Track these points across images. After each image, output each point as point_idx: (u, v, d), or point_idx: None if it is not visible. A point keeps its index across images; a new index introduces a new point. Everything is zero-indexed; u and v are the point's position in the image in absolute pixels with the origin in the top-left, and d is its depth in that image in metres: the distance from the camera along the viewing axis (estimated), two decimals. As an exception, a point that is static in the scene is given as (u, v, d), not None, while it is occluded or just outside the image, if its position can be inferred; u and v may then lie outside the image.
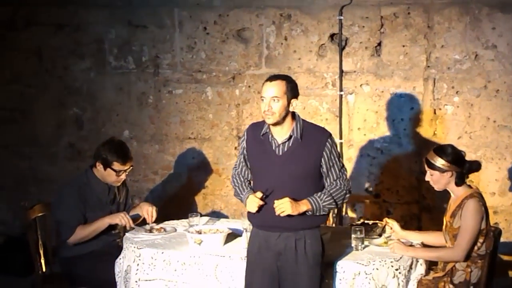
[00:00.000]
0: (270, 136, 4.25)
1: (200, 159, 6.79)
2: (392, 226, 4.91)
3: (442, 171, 4.58)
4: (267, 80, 4.22)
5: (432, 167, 4.61)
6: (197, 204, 6.83)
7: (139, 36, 6.77)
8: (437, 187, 4.68)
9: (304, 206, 4.19)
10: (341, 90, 6.36)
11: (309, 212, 4.21)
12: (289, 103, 4.18)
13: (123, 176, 5.28)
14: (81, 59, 6.94)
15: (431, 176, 4.65)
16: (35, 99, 7.08)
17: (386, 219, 4.98)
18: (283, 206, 4.15)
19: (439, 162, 4.57)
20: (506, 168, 6.14)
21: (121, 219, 5.15)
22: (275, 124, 4.20)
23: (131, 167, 5.30)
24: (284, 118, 4.19)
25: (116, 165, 5.19)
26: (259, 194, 4.22)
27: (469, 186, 4.66)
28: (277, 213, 4.16)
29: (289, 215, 4.16)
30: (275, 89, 4.16)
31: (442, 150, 4.63)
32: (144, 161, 6.89)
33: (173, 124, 6.81)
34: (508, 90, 6.08)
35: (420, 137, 6.27)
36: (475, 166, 4.66)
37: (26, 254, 5.46)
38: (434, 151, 4.63)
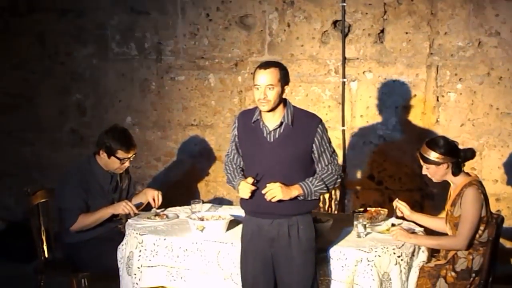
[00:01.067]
0: (261, 123, 4.25)
1: (202, 146, 6.79)
2: (402, 210, 4.89)
3: (437, 164, 4.57)
4: (260, 68, 4.19)
5: (427, 161, 4.60)
6: (200, 190, 6.84)
7: (142, 23, 6.76)
8: (435, 179, 4.67)
9: (295, 191, 4.19)
10: (343, 77, 6.36)
11: (301, 197, 4.21)
12: (283, 90, 4.19)
13: (126, 164, 5.27)
14: (84, 46, 6.94)
15: (427, 170, 4.65)
16: (38, 85, 7.08)
17: (395, 202, 4.94)
18: (274, 192, 4.16)
19: (433, 155, 4.56)
20: (508, 155, 6.13)
21: (123, 208, 5.15)
22: (268, 111, 4.20)
23: (134, 155, 5.30)
24: (277, 105, 4.19)
25: (120, 153, 5.18)
26: (250, 180, 4.22)
27: (468, 174, 4.64)
28: (267, 199, 4.17)
29: (281, 200, 4.17)
30: (270, 76, 4.15)
31: (434, 143, 4.60)
32: (147, 148, 6.89)
33: (175, 111, 6.81)
34: (511, 77, 6.06)
35: (423, 125, 6.26)
36: (470, 154, 4.65)
37: (29, 240, 5.48)
38: (426, 145, 4.61)
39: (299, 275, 4.24)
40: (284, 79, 4.20)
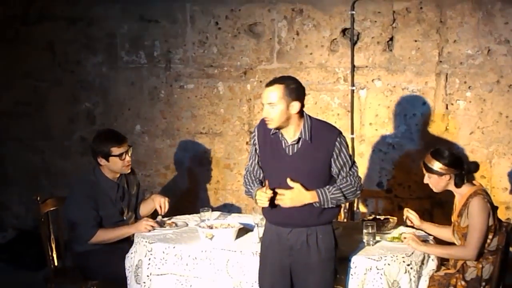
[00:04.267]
0: (280, 135, 4.21)
1: (211, 154, 6.79)
2: (412, 219, 4.88)
3: (440, 174, 4.57)
4: (266, 85, 4.16)
5: (430, 170, 4.59)
6: (209, 198, 6.84)
7: (151, 31, 6.78)
8: (436, 189, 4.67)
9: (309, 197, 4.17)
10: (352, 85, 6.35)
11: (316, 204, 4.19)
12: (288, 106, 4.10)
13: (127, 158, 5.23)
14: (94, 54, 6.97)
15: (429, 179, 4.64)
16: (48, 93, 7.11)
17: (405, 211, 4.94)
18: (283, 200, 4.16)
19: (437, 165, 4.56)
20: (518, 163, 6.13)
21: (146, 227, 5.09)
22: (275, 128, 4.17)
23: (130, 148, 5.27)
24: (287, 121, 4.14)
25: (114, 150, 5.18)
26: (266, 189, 4.19)
27: (473, 184, 4.63)
28: (276, 202, 4.19)
29: (300, 211, 4.17)
30: (271, 95, 4.09)
31: (439, 153, 4.59)
32: (156, 156, 6.90)
33: (184, 119, 6.82)
34: (520, 85, 6.06)
35: (432, 132, 6.25)
36: (474, 167, 4.65)
37: (39, 248, 5.49)
38: (431, 154, 4.61)
39: (317, 284, 4.23)
40: (291, 94, 4.09)
